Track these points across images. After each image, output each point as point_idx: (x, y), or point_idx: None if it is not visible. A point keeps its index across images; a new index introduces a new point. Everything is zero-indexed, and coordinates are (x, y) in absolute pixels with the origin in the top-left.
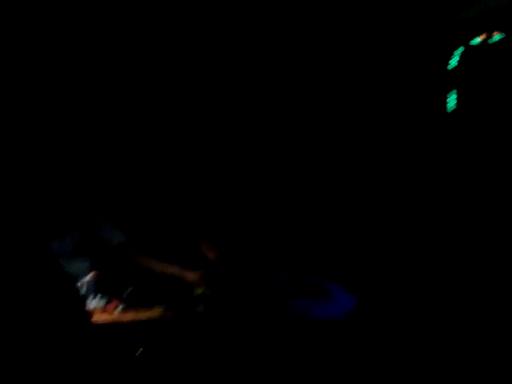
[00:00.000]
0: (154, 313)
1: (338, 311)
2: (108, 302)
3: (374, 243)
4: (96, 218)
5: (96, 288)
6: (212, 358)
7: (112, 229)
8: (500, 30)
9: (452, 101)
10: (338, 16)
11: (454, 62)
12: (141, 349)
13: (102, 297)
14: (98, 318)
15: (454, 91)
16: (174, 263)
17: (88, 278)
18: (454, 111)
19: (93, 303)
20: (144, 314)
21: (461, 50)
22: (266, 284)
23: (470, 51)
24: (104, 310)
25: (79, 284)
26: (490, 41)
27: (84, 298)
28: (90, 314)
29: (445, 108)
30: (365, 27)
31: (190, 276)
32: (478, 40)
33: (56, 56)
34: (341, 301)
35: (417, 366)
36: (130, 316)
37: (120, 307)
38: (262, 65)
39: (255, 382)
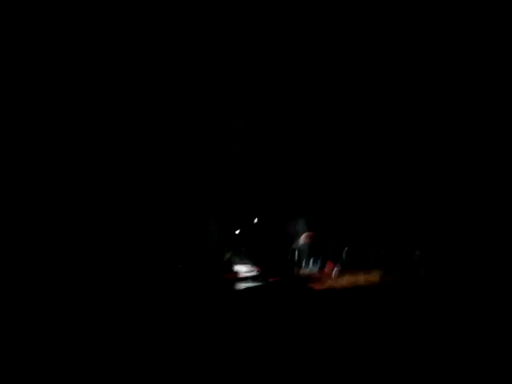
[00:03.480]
0: (373, 276)
1: None
2: (322, 266)
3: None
4: None
5: (310, 251)
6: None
7: None
8: None
9: None
10: None
11: None
12: None
13: (315, 260)
14: (315, 282)
15: None
16: None
17: (301, 240)
18: None
19: (307, 267)
20: (362, 278)
21: None
22: None
23: None
24: (320, 273)
25: (292, 248)
26: None
27: (297, 263)
28: (305, 278)
29: None
30: None
31: None
32: None
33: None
34: None
35: (417, 366)
36: (347, 279)
37: (336, 270)
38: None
39: None
